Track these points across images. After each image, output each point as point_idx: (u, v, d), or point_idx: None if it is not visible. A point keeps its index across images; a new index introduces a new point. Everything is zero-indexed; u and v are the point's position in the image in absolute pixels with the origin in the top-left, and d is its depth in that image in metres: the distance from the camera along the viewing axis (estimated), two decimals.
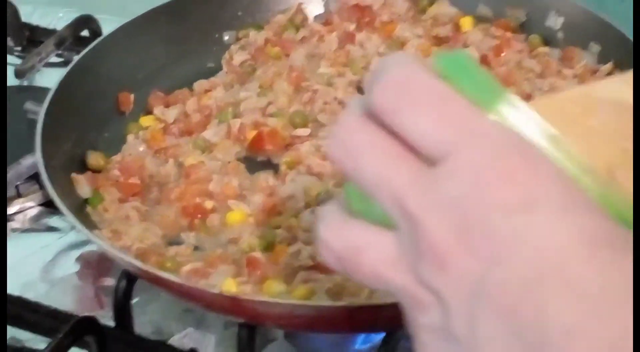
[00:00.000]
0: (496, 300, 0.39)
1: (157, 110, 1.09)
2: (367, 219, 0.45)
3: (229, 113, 1.06)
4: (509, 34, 1.12)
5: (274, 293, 0.84)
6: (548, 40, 1.13)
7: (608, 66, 1.06)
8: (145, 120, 1.08)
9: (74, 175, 0.97)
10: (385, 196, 0.43)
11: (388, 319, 0.79)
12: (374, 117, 0.43)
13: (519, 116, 0.43)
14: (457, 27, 1.15)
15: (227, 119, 1.05)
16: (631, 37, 1.03)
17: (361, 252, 0.44)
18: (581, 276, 0.39)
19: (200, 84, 1.13)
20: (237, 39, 1.19)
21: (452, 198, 0.41)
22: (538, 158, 0.41)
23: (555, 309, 0.38)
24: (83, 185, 0.97)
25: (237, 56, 1.16)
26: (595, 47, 1.08)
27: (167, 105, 1.10)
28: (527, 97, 1.04)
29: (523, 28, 1.15)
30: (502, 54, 1.09)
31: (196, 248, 0.93)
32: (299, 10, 1.21)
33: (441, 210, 0.41)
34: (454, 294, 0.41)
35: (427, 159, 0.42)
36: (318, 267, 0.86)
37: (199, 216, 0.95)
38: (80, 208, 0.95)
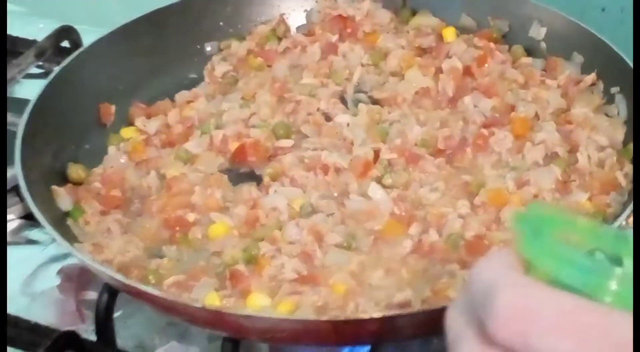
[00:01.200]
0: None
1: (139, 121, 1.08)
2: None
3: (211, 124, 1.05)
4: (492, 45, 1.12)
5: (257, 307, 0.83)
6: (531, 50, 1.13)
7: (592, 76, 1.06)
8: (126, 132, 1.08)
9: (54, 187, 0.96)
10: None
11: (373, 332, 0.79)
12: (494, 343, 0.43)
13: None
14: (440, 38, 1.15)
15: (210, 130, 1.04)
16: (613, 47, 1.03)
17: None
18: None
19: (182, 95, 1.12)
20: (219, 50, 1.19)
21: None
22: None
23: None
24: (63, 197, 0.96)
25: (219, 67, 1.15)
26: (578, 57, 1.08)
27: (148, 117, 1.09)
28: (511, 109, 1.04)
29: (506, 38, 1.15)
30: (485, 65, 1.09)
31: (178, 261, 0.92)
32: (282, 21, 1.21)
33: None
34: None
35: None
36: (302, 279, 0.86)
37: (181, 228, 0.94)
38: (60, 221, 0.94)
